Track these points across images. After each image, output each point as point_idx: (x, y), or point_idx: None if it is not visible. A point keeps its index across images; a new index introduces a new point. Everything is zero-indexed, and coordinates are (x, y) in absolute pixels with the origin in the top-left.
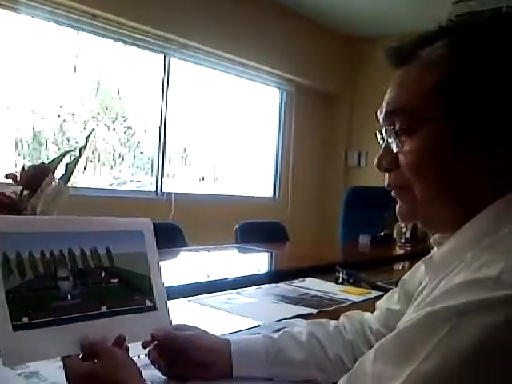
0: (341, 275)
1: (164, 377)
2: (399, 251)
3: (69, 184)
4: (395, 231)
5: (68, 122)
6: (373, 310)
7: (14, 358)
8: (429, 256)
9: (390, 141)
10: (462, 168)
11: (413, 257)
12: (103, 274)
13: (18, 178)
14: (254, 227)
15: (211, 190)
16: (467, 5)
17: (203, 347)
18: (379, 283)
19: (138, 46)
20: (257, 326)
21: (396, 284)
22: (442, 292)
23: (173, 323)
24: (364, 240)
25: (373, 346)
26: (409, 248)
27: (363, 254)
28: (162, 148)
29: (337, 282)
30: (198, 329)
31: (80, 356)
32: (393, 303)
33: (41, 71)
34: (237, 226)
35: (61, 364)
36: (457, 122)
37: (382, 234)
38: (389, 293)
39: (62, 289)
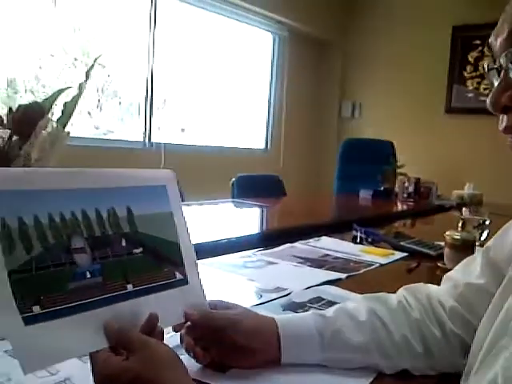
0: (359, 234)
1: (199, 365)
2: (403, 207)
3: (67, 128)
4: (397, 186)
5: (44, 68)
6: (400, 272)
7: (33, 362)
8: None
9: None
10: None
11: (429, 212)
12: (124, 243)
13: (5, 121)
14: (252, 180)
15: (199, 142)
16: None
17: (248, 330)
18: (402, 243)
19: None
20: (287, 295)
21: (420, 244)
22: None
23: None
24: (365, 194)
25: (445, 325)
26: (411, 203)
27: (370, 209)
28: (150, 96)
29: (355, 242)
30: (239, 306)
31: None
32: (473, 276)
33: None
34: (233, 179)
35: None
36: None
37: (382, 188)
38: (463, 262)
39: (80, 264)
